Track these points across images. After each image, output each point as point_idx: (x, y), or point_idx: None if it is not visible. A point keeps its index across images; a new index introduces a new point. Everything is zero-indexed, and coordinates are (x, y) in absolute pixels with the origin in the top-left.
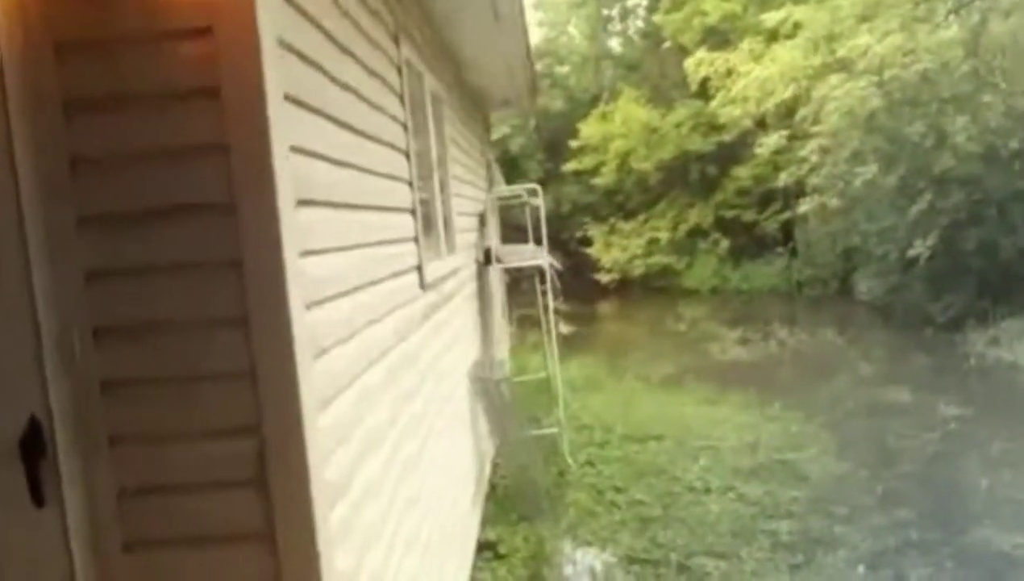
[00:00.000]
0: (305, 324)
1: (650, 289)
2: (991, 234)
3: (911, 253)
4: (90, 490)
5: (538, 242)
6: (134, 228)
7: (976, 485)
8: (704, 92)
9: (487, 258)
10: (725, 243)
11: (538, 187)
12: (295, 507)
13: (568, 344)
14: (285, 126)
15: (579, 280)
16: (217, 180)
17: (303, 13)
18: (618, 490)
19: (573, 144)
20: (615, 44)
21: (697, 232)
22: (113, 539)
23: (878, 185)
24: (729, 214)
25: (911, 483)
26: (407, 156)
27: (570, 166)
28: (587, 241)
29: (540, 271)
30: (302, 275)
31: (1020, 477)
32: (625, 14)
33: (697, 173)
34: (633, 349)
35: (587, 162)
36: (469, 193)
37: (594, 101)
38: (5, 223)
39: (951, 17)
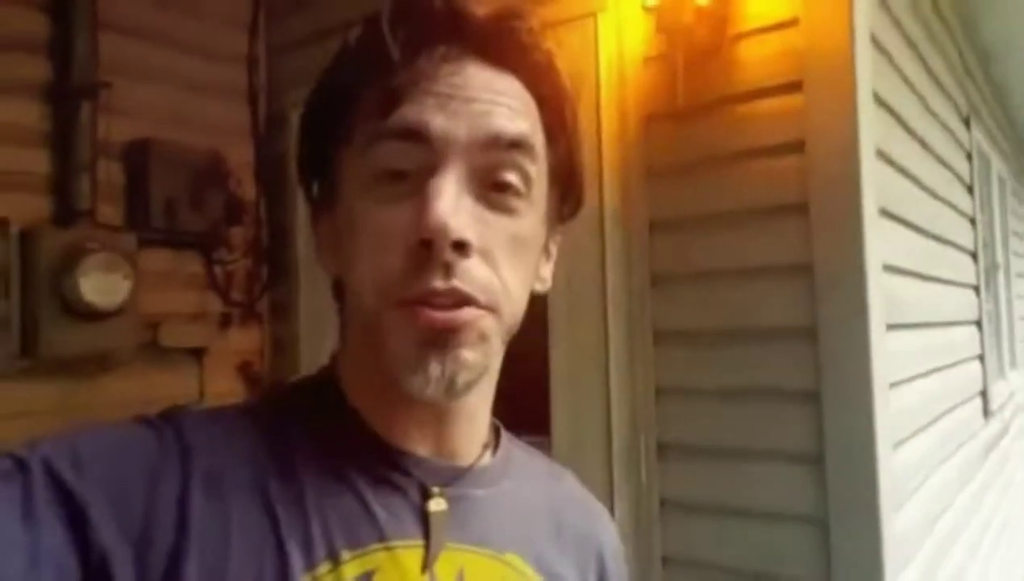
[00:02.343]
0: (889, 470)
1: None
2: None
3: None
4: None
5: None
6: (703, 349)
7: None
8: None
9: None
10: None
11: None
12: None
13: None
14: (878, 242)
15: None
16: (797, 298)
17: (890, 110)
18: None
19: None
20: None
21: None
22: None
23: None
24: None
25: None
26: (973, 257)
27: None
28: None
29: None
30: (887, 410)
31: None
32: None
33: None
34: None
35: None
36: None
37: None
38: (595, 333)
39: None
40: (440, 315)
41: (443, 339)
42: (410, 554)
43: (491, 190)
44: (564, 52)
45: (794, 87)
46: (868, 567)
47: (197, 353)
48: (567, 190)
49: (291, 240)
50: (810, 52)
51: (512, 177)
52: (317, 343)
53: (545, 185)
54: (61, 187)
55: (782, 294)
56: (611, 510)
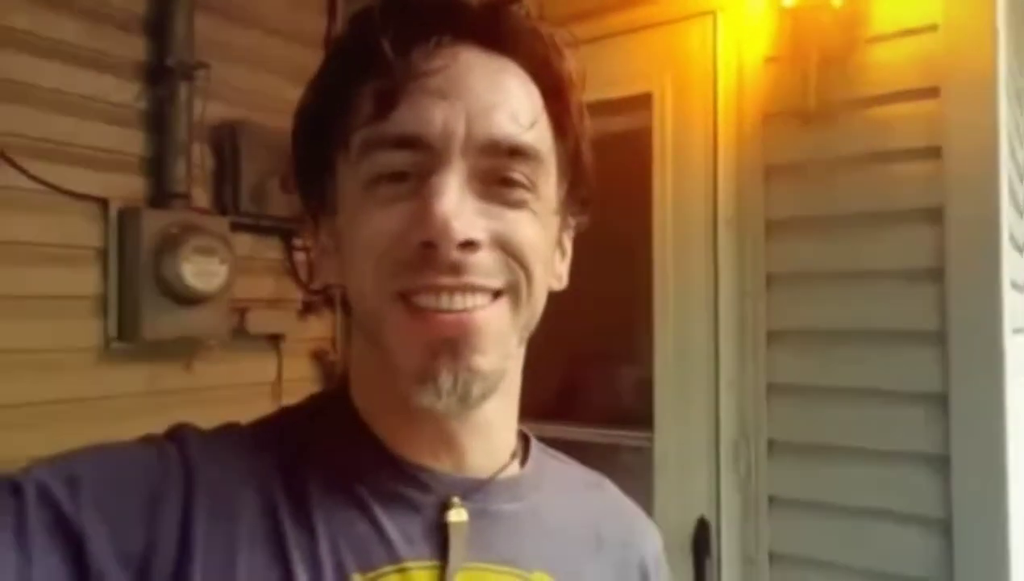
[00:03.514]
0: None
1: None
2: None
3: None
4: None
5: None
6: (815, 347)
7: None
8: None
9: None
10: None
11: None
12: None
13: None
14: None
15: None
16: (927, 302)
17: None
18: None
19: None
20: None
21: None
22: None
23: None
24: None
25: None
26: None
27: None
28: None
29: None
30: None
31: None
32: None
33: None
34: None
35: None
36: None
37: None
38: (705, 331)
39: None
40: (450, 318)
41: (454, 346)
42: (425, 575)
43: (496, 185)
44: (681, 49)
45: (931, 92)
46: (994, 573)
47: (275, 339)
48: (575, 182)
49: None
50: (949, 57)
51: (517, 174)
52: None
53: (554, 178)
54: (158, 168)
55: (911, 298)
56: (717, 507)
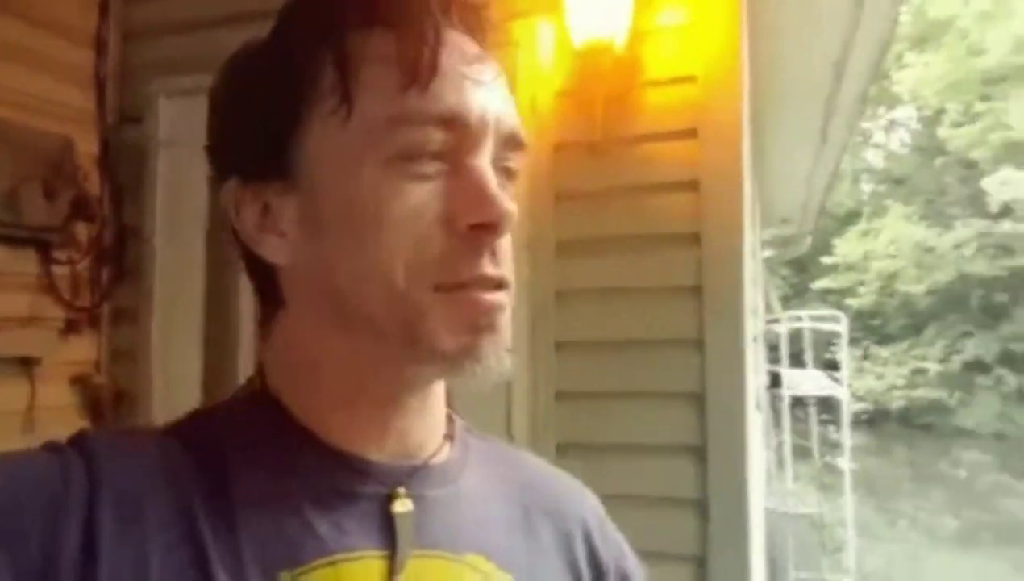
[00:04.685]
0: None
1: (911, 425)
2: None
3: None
4: None
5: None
6: (597, 355)
7: None
8: (999, 212)
9: (774, 382)
10: (1012, 381)
11: (842, 315)
12: None
13: (825, 479)
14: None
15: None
16: (688, 317)
17: None
18: None
19: (826, 261)
20: (873, 157)
21: (976, 366)
22: None
23: None
24: (1019, 349)
25: None
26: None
27: (821, 284)
28: (833, 364)
29: (822, 399)
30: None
31: None
32: (892, 127)
33: (979, 300)
34: (903, 494)
35: (842, 281)
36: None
37: (849, 217)
38: None
39: None
40: (490, 297)
41: (492, 322)
42: (362, 566)
43: (501, 175)
44: None
45: (691, 133)
46: (738, 545)
47: (28, 363)
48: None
49: (141, 241)
50: (705, 104)
51: (515, 165)
52: (173, 351)
53: None
54: None
55: (675, 311)
56: None
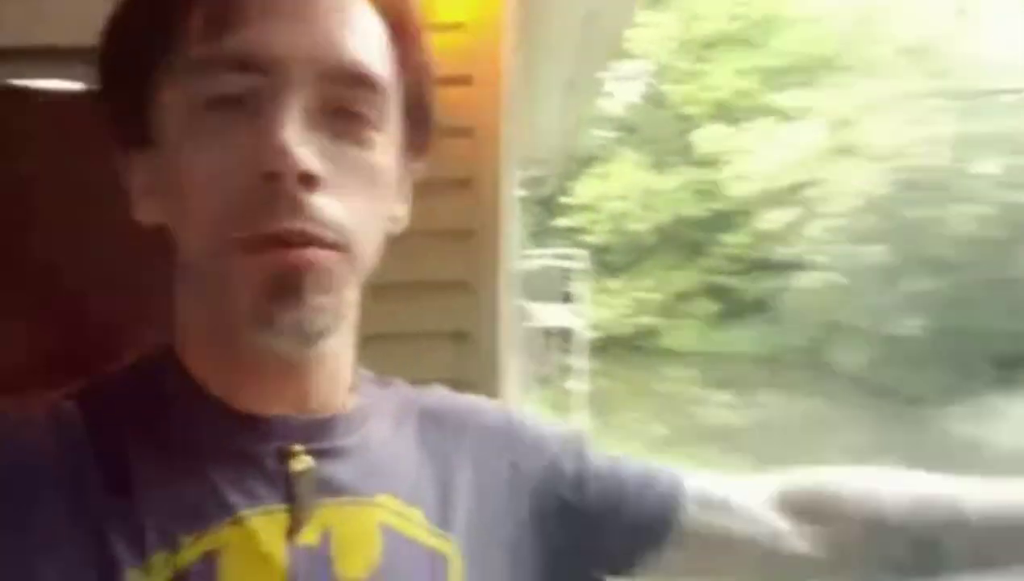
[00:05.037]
0: None
1: (633, 348)
2: (971, 317)
3: (898, 330)
4: None
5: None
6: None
7: None
8: (706, 161)
9: (523, 316)
10: (710, 307)
11: (581, 253)
12: None
13: (560, 402)
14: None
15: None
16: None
17: None
18: None
19: (565, 201)
20: (609, 104)
21: (683, 295)
22: None
23: (877, 265)
24: (715, 280)
25: None
26: None
27: (561, 222)
28: (569, 297)
29: (562, 330)
30: None
31: None
32: (625, 80)
33: (688, 238)
34: (623, 408)
35: (580, 220)
36: None
37: (587, 160)
38: None
39: (953, 114)
40: (290, 255)
41: (293, 283)
42: (269, 522)
43: (340, 120)
44: None
45: (463, 80)
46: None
47: None
48: (418, 122)
49: None
50: (476, 51)
51: (362, 108)
52: None
53: (397, 116)
54: None
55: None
56: None
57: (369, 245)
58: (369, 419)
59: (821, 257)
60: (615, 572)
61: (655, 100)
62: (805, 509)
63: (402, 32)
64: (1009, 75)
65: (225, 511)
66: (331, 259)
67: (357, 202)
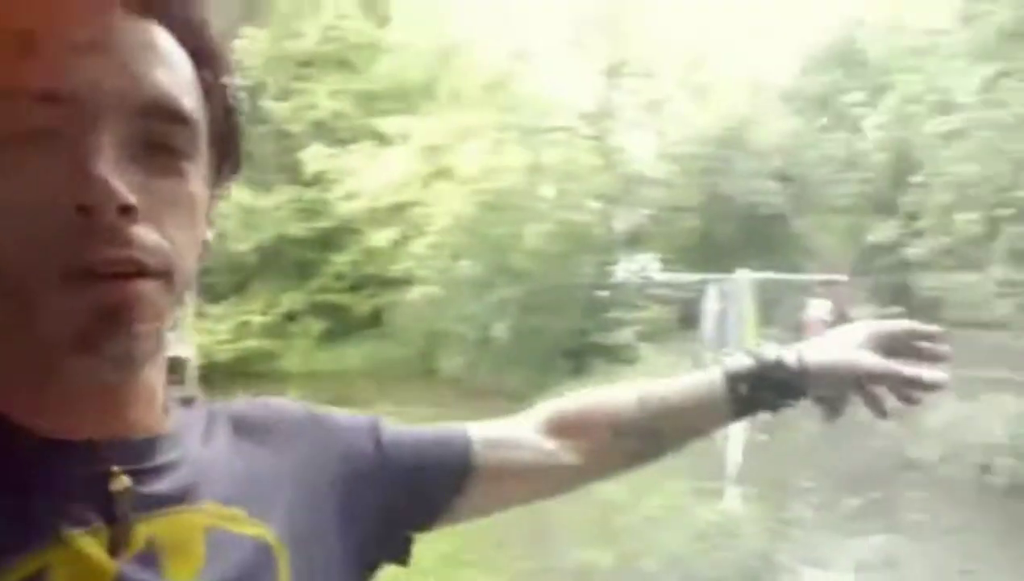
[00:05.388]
0: None
1: (240, 374)
2: (546, 319)
3: (489, 334)
4: None
5: None
6: None
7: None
8: (310, 181)
9: None
10: (318, 326)
11: None
12: None
13: None
14: None
15: None
16: None
17: None
18: None
19: None
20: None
21: (291, 315)
22: None
23: (469, 277)
24: (324, 298)
25: None
26: None
27: None
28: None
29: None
30: None
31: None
32: None
33: (293, 258)
34: None
35: None
36: None
37: None
38: None
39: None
40: (116, 287)
41: (122, 316)
42: (95, 541)
43: (154, 152)
44: None
45: None
46: None
47: None
48: (225, 151)
49: None
50: None
51: (176, 141)
52: None
53: (204, 146)
54: None
55: None
56: None
57: (188, 272)
58: (183, 435)
59: (424, 272)
60: (432, 521)
61: (252, 116)
62: (564, 427)
63: (206, 61)
64: (561, 113)
65: (50, 535)
66: (157, 290)
67: (175, 231)
